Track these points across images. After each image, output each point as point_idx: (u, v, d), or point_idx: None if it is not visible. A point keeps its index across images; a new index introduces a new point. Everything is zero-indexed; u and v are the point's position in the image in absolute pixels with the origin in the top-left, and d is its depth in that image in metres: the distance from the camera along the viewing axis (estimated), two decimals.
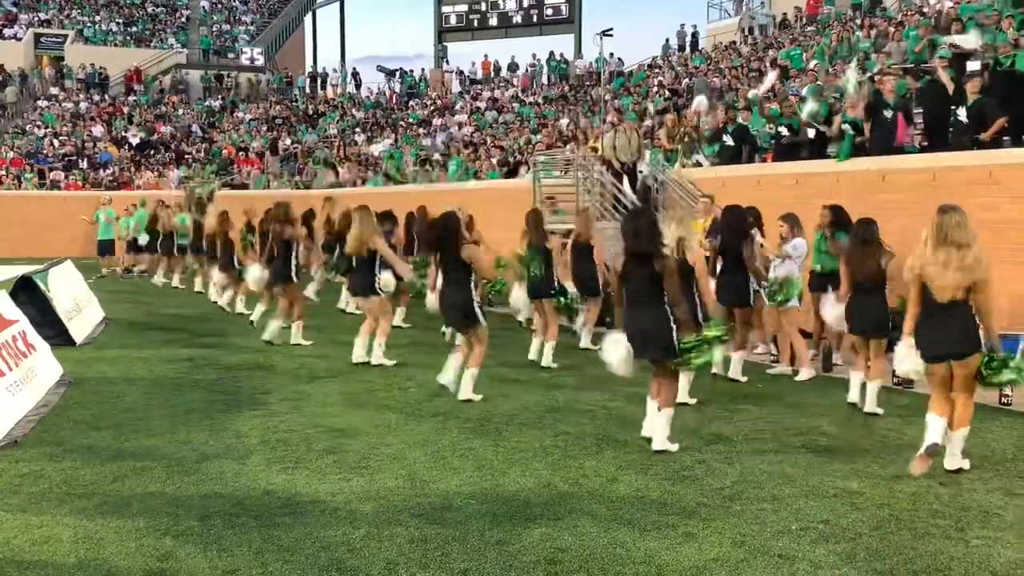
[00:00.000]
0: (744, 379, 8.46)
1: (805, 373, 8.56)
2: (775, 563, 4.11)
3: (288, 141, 32.76)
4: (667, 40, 31.17)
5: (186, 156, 31.51)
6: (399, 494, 5.09)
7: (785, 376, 8.74)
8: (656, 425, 6.05)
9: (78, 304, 11.80)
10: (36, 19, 38.41)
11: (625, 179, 13.45)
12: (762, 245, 8.96)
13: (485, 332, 7.74)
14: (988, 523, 4.64)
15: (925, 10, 17.22)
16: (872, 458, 5.84)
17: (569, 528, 4.55)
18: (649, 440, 6.12)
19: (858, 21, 20.36)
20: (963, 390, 5.54)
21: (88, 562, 4.17)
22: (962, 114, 10.34)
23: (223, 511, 4.82)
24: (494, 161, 21.14)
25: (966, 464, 5.55)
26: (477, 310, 7.61)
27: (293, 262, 10.51)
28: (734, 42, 26.30)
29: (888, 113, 10.98)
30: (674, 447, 6.00)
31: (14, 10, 38.35)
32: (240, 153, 31.44)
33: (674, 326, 5.93)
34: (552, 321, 9.51)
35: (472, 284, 7.61)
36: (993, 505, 4.91)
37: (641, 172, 13.33)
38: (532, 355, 9.46)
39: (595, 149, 15.67)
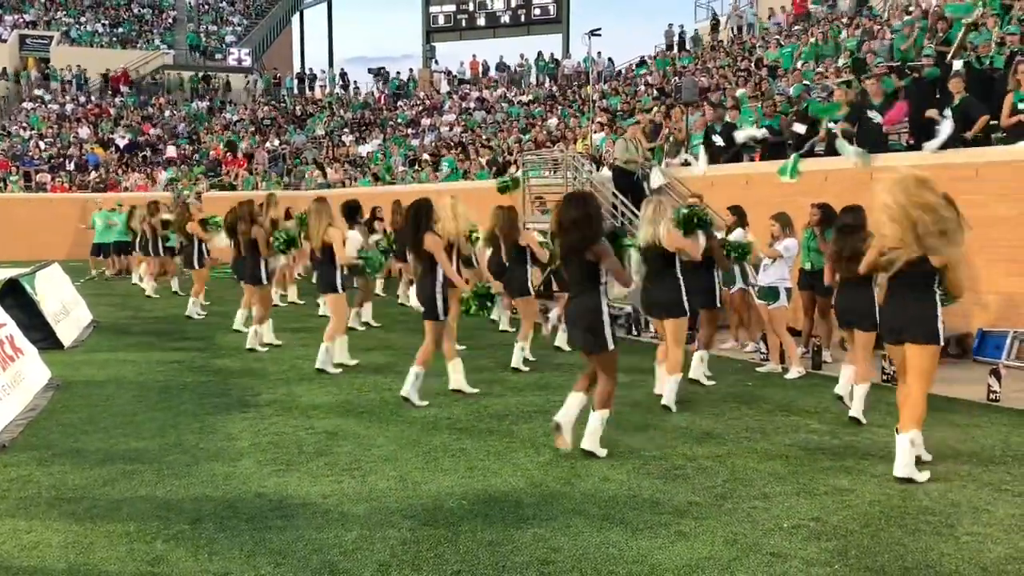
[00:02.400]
0: (711, 382, 8.24)
1: (795, 371, 8.60)
2: (767, 561, 4.12)
3: (276, 142, 32.68)
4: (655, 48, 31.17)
5: (172, 158, 31.36)
6: (391, 495, 5.08)
7: (774, 375, 8.77)
8: (589, 426, 5.85)
9: (65, 307, 11.73)
10: (21, 20, 38.15)
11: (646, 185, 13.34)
12: (750, 242, 8.99)
13: (451, 325, 7.70)
14: (978, 519, 4.67)
15: (912, 9, 17.32)
16: (862, 455, 5.86)
17: (561, 528, 4.56)
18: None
19: (844, 20, 20.46)
20: (913, 380, 5.37)
21: (78, 567, 4.14)
22: (948, 114, 10.40)
23: (214, 514, 4.80)
24: (483, 161, 21.14)
25: (919, 476, 5.25)
26: (440, 303, 7.47)
27: (262, 262, 10.35)
28: (721, 41, 26.39)
29: (874, 115, 11.03)
30: (602, 452, 5.83)
31: None
32: (228, 154, 31.32)
33: (606, 318, 5.75)
34: (525, 321, 9.29)
35: (439, 273, 7.47)
36: (982, 501, 4.95)
37: (653, 189, 13.19)
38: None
39: (585, 148, 15.69)
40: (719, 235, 8.75)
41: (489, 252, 10.15)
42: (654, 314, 7.54)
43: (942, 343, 5.40)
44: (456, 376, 7.84)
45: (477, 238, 10.61)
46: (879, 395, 7.63)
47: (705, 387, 8.13)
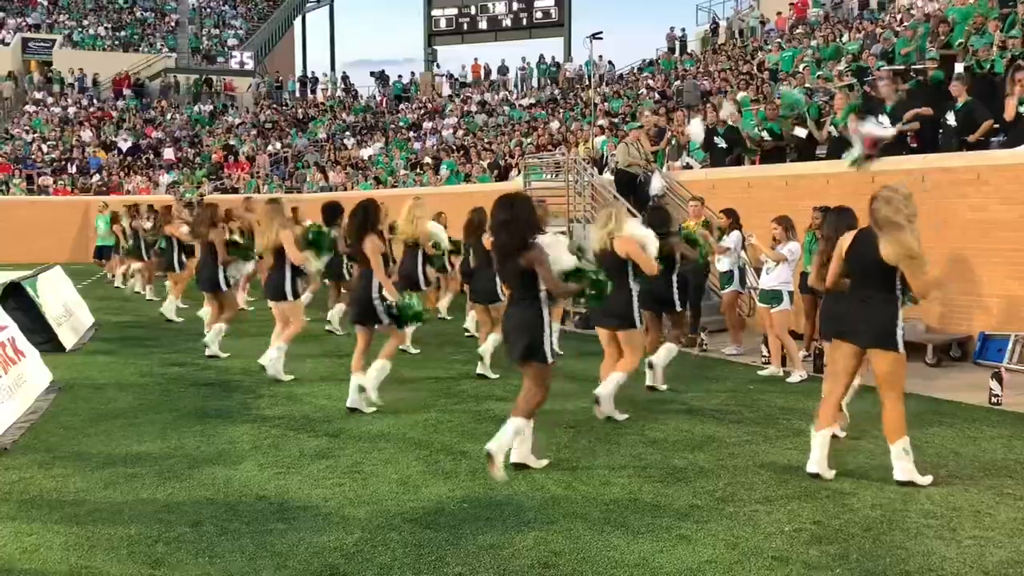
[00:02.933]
0: (663, 387, 8.03)
1: (796, 375, 8.58)
2: (769, 564, 4.12)
3: (278, 145, 32.74)
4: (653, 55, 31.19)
5: (171, 161, 31.39)
6: (392, 499, 5.08)
7: (776, 378, 8.76)
8: (503, 433, 5.38)
9: (67, 310, 11.74)
10: (24, 24, 38.23)
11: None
12: (753, 245, 9.00)
13: (397, 332, 7.46)
14: (980, 523, 4.66)
15: (914, 12, 17.33)
16: (864, 459, 5.85)
17: (563, 532, 4.55)
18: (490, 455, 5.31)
19: (845, 24, 20.47)
20: (882, 392, 5.30)
21: (79, 570, 4.14)
22: (950, 117, 10.41)
23: (215, 517, 4.80)
24: (484, 164, 21.16)
25: (922, 480, 5.22)
26: (378, 307, 7.16)
27: (220, 268, 9.96)
28: (723, 44, 26.40)
29: (883, 119, 11.02)
30: (542, 463, 5.59)
31: (1, 15, 38.17)
32: (230, 157, 31.37)
33: (547, 328, 5.43)
34: (484, 326, 9.07)
35: (373, 279, 7.15)
36: (984, 505, 4.94)
37: (655, 194, 13.20)
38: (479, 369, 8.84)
39: (588, 152, 15.71)
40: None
41: (461, 256, 9.97)
42: (604, 324, 7.10)
43: (902, 350, 5.18)
44: (369, 381, 7.27)
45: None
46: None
47: (660, 385, 8.03)
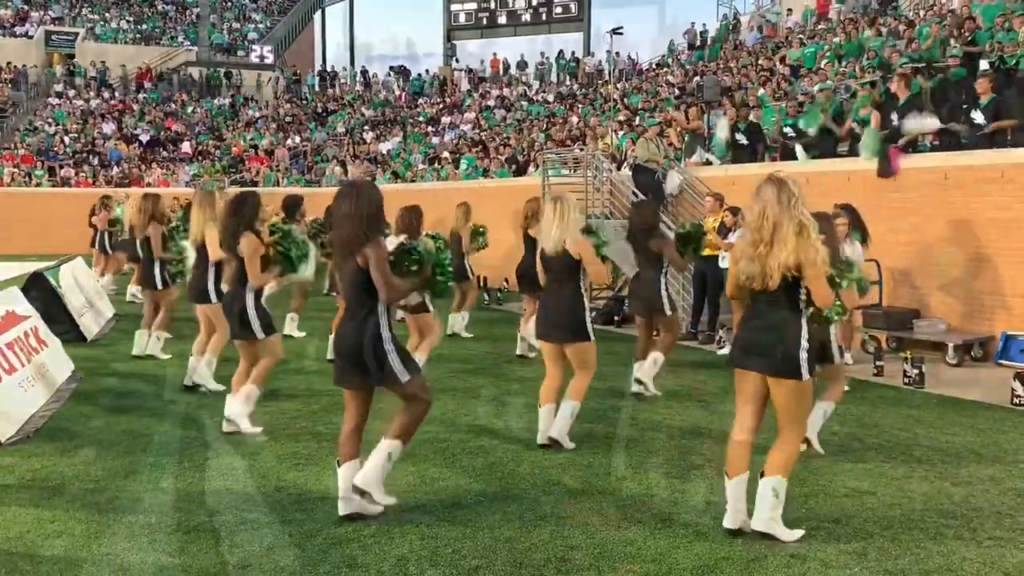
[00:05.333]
0: (650, 392, 7.46)
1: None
2: (786, 562, 4.10)
3: (298, 139, 32.88)
4: (671, 41, 31.00)
5: (187, 154, 31.59)
6: (409, 492, 5.09)
7: None
8: (371, 463, 4.62)
9: (89, 300, 11.84)
10: (47, 17, 38.58)
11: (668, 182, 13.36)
12: None
13: (271, 343, 6.49)
14: (1000, 524, 4.62)
15: (935, 6, 17.14)
16: (883, 458, 5.82)
17: (579, 526, 4.56)
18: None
19: (867, 19, 20.27)
20: (781, 423, 4.37)
21: (101, 556, 4.19)
22: (977, 116, 10.29)
23: (234, 507, 4.84)
24: (503, 159, 21.15)
25: (785, 534, 4.33)
26: (253, 315, 6.34)
27: (157, 264, 9.24)
28: (743, 40, 26.22)
29: (895, 117, 10.92)
30: (387, 501, 4.66)
31: (25, 8, 38.53)
32: (250, 150, 31.54)
33: (390, 345, 4.54)
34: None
35: (248, 288, 6.35)
36: (1005, 506, 4.90)
37: (671, 192, 13.19)
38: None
39: (606, 146, 15.67)
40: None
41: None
42: (549, 338, 6.10)
43: (806, 376, 4.25)
44: (236, 411, 6.40)
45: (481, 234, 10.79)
46: (901, 397, 7.59)
47: (649, 393, 7.51)
